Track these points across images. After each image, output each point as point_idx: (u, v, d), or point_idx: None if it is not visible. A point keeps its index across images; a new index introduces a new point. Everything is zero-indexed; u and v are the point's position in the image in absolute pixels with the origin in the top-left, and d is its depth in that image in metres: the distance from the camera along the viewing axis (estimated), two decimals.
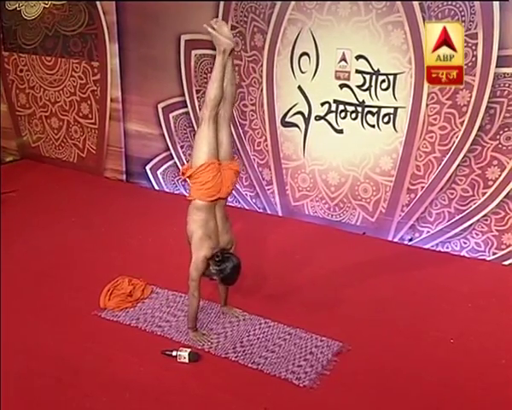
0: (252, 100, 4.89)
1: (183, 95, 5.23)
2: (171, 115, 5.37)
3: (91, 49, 5.63)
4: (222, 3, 4.77)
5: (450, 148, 4.19)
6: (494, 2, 3.75)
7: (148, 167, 5.69)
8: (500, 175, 4.08)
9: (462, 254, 4.36)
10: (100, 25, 5.46)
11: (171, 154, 5.50)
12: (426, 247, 4.48)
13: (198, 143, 3.15)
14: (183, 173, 3.23)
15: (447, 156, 4.22)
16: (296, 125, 4.77)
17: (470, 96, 4.01)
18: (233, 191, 3.47)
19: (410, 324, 3.50)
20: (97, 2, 5.40)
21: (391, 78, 4.25)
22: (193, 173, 3.13)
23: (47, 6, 5.75)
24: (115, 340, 3.32)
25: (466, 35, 3.87)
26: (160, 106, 5.39)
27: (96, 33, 5.53)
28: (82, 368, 3.07)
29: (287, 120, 4.80)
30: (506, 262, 4.22)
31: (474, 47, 3.89)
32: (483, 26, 3.82)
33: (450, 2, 3.89)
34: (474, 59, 3.91)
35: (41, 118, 6.29)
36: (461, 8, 3.86)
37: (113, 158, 5.88)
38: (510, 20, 3.72)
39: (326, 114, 4.60)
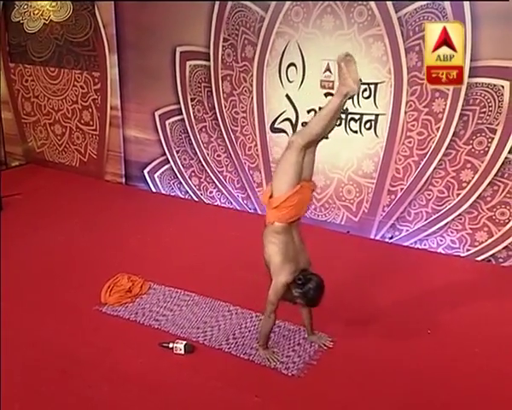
0: (243, 107, 4.91)
1: (179, 103, 5.23)
2: (167, 122, 5.38)
3: (92, 61, 5.62)
4: (215, 17, 4.78)
5: (427, 152, 4.22)
6: (466, 17, 3.78)
7: (145, 171, 5.69)
8: (473, 177, 4.11)
9: (438, 250, 4.39)
10: (100, 37, 5.46)
11: (167, 158, 5.50)
12: (405, 244, 4.50)
13: (285, 169, 2.81)
14: (269, 203, 2.87)
15: (424, 160, 4.25)
16: (284, 131, 4.79)
17: (445, 104, 4.04)
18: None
19: (389, 316, 3.52)
20: (98, 16, 5.40)
21: (372, 87, 4.28)
22: (281, 203, 2.81)
23: (47, 21, 5.75)
24: (115, 333, 3.33)
25: None
26: (157, 113, 5.39)
27: (96, 46, 5.53)
28: (84, 360, 3.07)
29: (275, 126, 4.82)
30: (479, 258, 4.26)
31: None
32: None
33: (426, 17, 3.92)
34: None
35: (45, 125, 6.27)
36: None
37: (112, 162, 5.88)
38: (480, 34, 3.75)
39: None
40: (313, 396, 2.84)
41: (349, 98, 2.80)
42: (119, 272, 3.92)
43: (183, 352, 3.12)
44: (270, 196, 2.87)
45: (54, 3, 5.67)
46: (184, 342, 3.15)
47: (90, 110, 5.85)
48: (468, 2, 3.76)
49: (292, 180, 2.78)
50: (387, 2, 4.04)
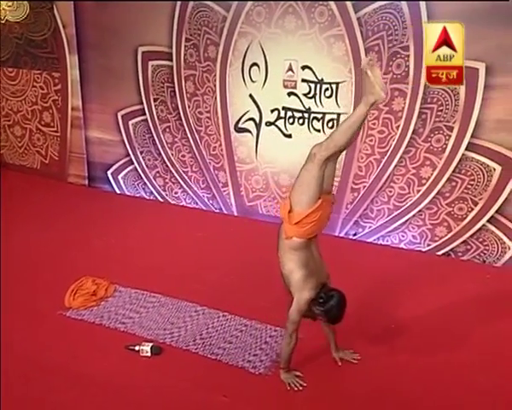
0: (206, 107, 4.89)
1: (142, 103, 5.17)
2: (130, 123, 5.31)
3: (50, 62, 5.50)
4: (177, 17, 4.74)
5: (388, 150, 4.29)
6: (422, 18, 3.86)
7: (109, 172, 5.60)
8: (432, 174, 4.20)
9: (400, 246, 4.47)
10: (60, 37, 5.34)
11: (131, 159, 5.43)
12: (368, 241, 4.57)
13: (306, 183, 2.65)
14: (289, 218, 2.69)
15: (385, 158, 4.32)
16: (248, 131, 4.79)
17: (404, 103, 4.12)
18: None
19: (355, 311, 3.52)
20: (57, 16, 5.28)
21: (334, 86, 4.32)
22: (303, 219, 2.65)
23: (3, 21, 5.59)
24: (80, 337, 3.28)
25: (399, 47, 3.99)
26: (120, 114, 5.32)
27: (56, 46, 5.41)
28: (48, 365, 3.02)
29: (240, 125, 4.82)
30: (439, 252, 4.36)
31: (406, 58, 3.99)
32: (414, 39, 3.93)
33: (384, 18, 3.99)
34: (406, 69, 4.02)
35: (4, 127, 6.10)
36: (394, 23, 3.97)
37: (75, 164, 5.77)
38: None
39: (276, 120, 4.64)
40: (280, 394, 2.86)
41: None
42: (84, 275, 3.86)
43: (149, 354, 3.09)
44: (290, 211, 2.70)
45: (10, 3, 5.51)
46: (151, 344, 3.12)
47: (51, 111, 5.73)
48: (423, 2, 3.84)
49: (314, 194, 2.63)
50: (347, 3, 4.09)
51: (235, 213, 5.10)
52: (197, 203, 5.26)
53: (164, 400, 2.82)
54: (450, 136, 4.06)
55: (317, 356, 3.12)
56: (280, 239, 2.82)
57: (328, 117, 4.41)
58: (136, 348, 3.11)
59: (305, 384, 2.90)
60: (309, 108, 4.45)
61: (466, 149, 4.04)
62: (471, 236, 4.22)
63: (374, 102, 2.55)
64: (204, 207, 5.23)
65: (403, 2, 3.91)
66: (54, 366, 3.01)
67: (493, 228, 4.13)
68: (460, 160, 4.08)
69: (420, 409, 2.82)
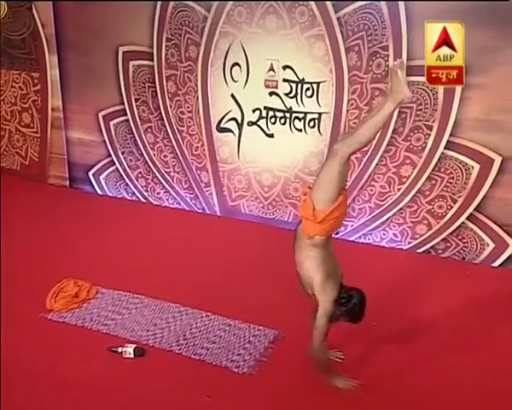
0: (188, 107, 4.88)
1: (123, 103, 5.14)
2: (111, 123, 5.27)
3: (28, 63, 5.44)
4: (157, 16, 4.72)
5: (369, 149, 4.31)
6: (401, 17, 3.90)
7: (90, 173, 5.56)
8: (412, 172, 4.24)
9: (382, 244, 4.51)
10: (39, 37, 5.28)
11: (112, 160, 5.39)
12: (350, 239, 4.60)
13: (329, 180, 2.64)
14: (314, 217, 2.66)
15: (366, 157, 4.35)
16: (230, 131, 4.79)
17: None
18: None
19: None
20: (36, 16, 5.22)
21: (315, 86, 4.35)
22: (327, 216, 2.65)
23: None
24: (62, 340, 3.25)
25: (379, 47, 4.03)
26: (101, 114, 5.28)
27: (34, 46, 5.35)
28: (30, 369, 2.99)
29: (222, 125, 4.82)
30: (420, 250, 4.41)
31: (386, 58, 4.03)
32: (393, 39, 3.97)
33: (364, 18, 4.02)
34: (386, 68, 4.05)
35: None
36: (373, 23, 4.00)
37: (56, 165, 5.70)
38: (416, 35, 3.88)
39: (258, 120, 4.64)
40: (265, 393, 2.87)
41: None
42: (65, 276, 3.82)
43: (132, 356, 3.08)
44: (313, 210, 2.68)
45: None
46: (134, 346, 3.11)
47: (31, 112, 5.66)
48: (402, 2, 3.88)
49: (336, 191, 2.65)
50: (327, 3, 4.11)
51: (218, 213, 5.10)
52: (180, 204, 5.24)
53: (147, 401, 2.81)
54: (429, 135, 4.10)
55: (298, 355, 3.13)
56: (297, 241, 2.81)
57: (309, 117, 4.43)
58: (119, 349, 3.09)
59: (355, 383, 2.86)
60: (290, 108, 4.47)
61: (445, 147, 4.08)
62: (451, 233, 4.27)
63: (401, 101, 2.61)
64: (187, 208, 5.22)
65: (382, 2, 3.95)
66: (35, 370, 2.98)
67: (472, 225, 4.19)
68: (439, 158, 4.13)
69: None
